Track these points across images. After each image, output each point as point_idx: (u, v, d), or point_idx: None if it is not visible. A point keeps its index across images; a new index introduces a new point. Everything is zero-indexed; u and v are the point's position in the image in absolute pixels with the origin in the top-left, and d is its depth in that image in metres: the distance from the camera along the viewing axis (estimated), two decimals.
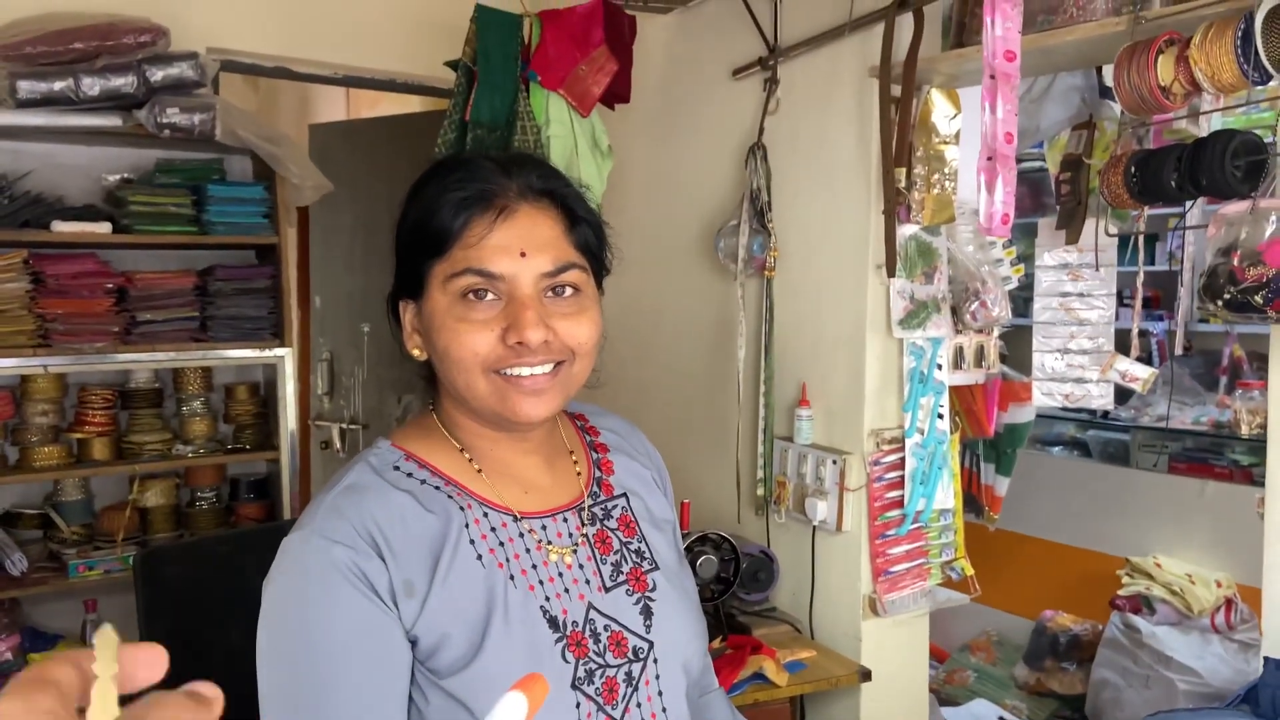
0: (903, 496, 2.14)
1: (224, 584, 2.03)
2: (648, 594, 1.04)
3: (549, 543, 1.00)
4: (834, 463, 2.17)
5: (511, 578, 0.95)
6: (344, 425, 3.83)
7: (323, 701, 0.87)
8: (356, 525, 0.90)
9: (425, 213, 0.95)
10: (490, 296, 0.93)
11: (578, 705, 0.93)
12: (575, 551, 1.01)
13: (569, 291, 0.96)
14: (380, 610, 0.88)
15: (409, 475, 0.97)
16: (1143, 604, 3.18)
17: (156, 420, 2.66)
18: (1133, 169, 1.57)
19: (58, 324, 2.37)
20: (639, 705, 0.98)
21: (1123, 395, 3.68)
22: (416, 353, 1.00)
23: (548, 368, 0.94)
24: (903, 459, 2.13)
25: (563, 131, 2.31)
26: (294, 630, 0.89)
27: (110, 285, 2.45)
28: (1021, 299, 2.99)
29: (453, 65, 2.36)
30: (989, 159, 1.51)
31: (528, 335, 0.91)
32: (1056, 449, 4.00)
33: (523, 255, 0.92)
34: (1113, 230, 1.87)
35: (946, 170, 2.01)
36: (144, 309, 2.49)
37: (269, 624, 0.91)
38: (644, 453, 1.18)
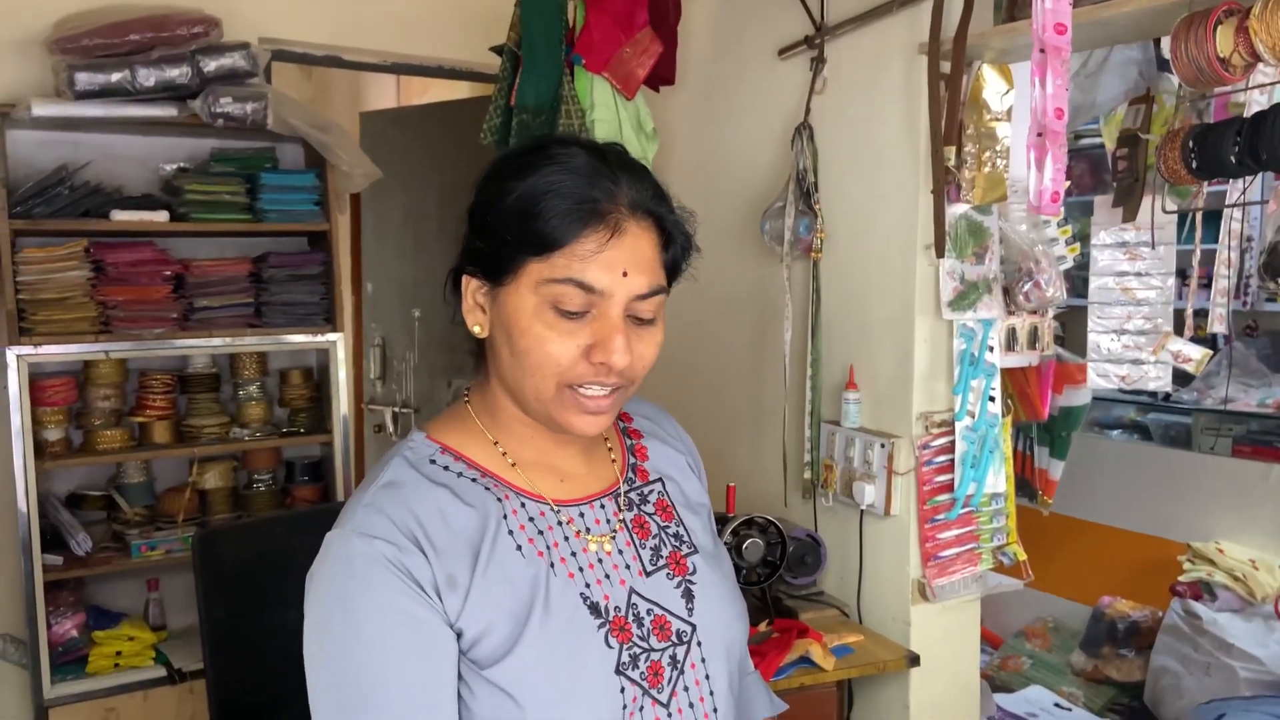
0: (953, 480, 2.10)
1: (280, 564, 2.07)
2: (688, 577, 1.04)
3: (587, 530, 1.00)
4: (882, 446, 2.15)
5: (551, 566, 0.95)
6: (396, 409, 3.88)
7: (373, 699, 0.88)
8: (397, 521, 0.91)
9: (530, 209, 0.91)
10: (580, 309, 0.92)
11: (623, 690, 0.93)
12: (614, 538, 1.01)
13: (646, 315, 0.95)
14: (424, 604, 0.89)
15: (445, 469, 0.98)
16: (1204, 590, 3.11)
17: (214, 404, 2.73)
18: (1190, 144, 1.52)
19: (118, 310, 2.44)
20: (685, 689, 0.98)
21: (1185, 378, 3.58)
22: (477, 330, 0.98)
23: (612, 389, 0.94)
24: (953, 443, 2.10)
25: (607, 115, 2.30)
26: (340, 629, 0.89)
27: (168, 272, 2.52)
28: (1080, 279, 2.93)
29: (498, 50, 2.36)
30: (1038, 135, 1.48)
31: (614, 360, 0.91)
32: (1116, 432, 3.91)
33: (624, 275, 0.92)
34: (1170, 207, 1.82)
35: (998, 148, 1.97)
36: (201, 295, 2.55)
37: (315, 624, 0.91)
38: (677, 437, 1.18)
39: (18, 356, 2.31)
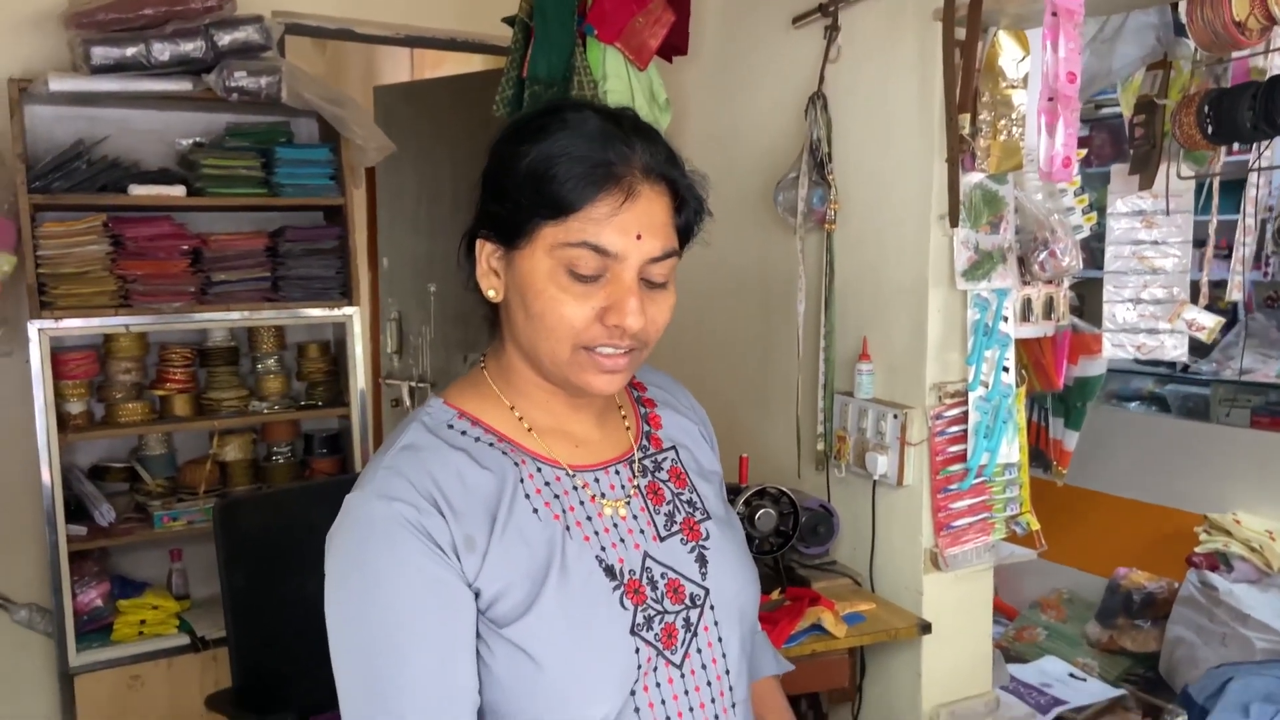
0: (965, 451, 2.11)
1: (300, 534, 2.10)
2: (701, 543, 1.05)
3: (602, 495, 1.01)
4: (895, 417, 2.15)
5: (568, 529, 0.96)
6: (413, 384, 3.91)
7: (394, 658, 0.89)
8: (416, 484, 0.92)
9: (545, 172, 0.92)
10: (595, 272, 0.92)
11: (637, 650, 0.95)
12: (629, 503, 1.02)
13: (659, 279, 0.96)
14: (443, 564, 0.90)
15: (463, 433, 0.99)
16: (1220, 561, 3.10)
17: (233, 378, 2.76)
18: (1206, 109, 1.50)
19: (138, 285, 2.47)
20: (699, 650, 0.99)
21: (1203, 349, 3.56)
22: (492, 294, 0.99)
23: (626, 350, 0.95)
24: (966, 413, 2.10)
25: (620, 86, 2.30)
26: (360, 590, 0.91)
27: (186, 247, 2.54)
28: (1098, 251, 2.90)
29: (509, 21, 2.36)
30: (1050, 99, 1.47)
31: (628, 322, 0.92)
32: (1133, 404, 3.89)
33: (638, 238, 0.92)
34: (1186, 173, 1.80)
35: (1014, 115, 1.95)
36: (218, 270, 2.57)
37: (335, 585, 0.93)
38: (689, 407, 1.19)
39: (39, 330, 2.34)
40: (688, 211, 0.99)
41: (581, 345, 0.94)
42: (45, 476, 2.36)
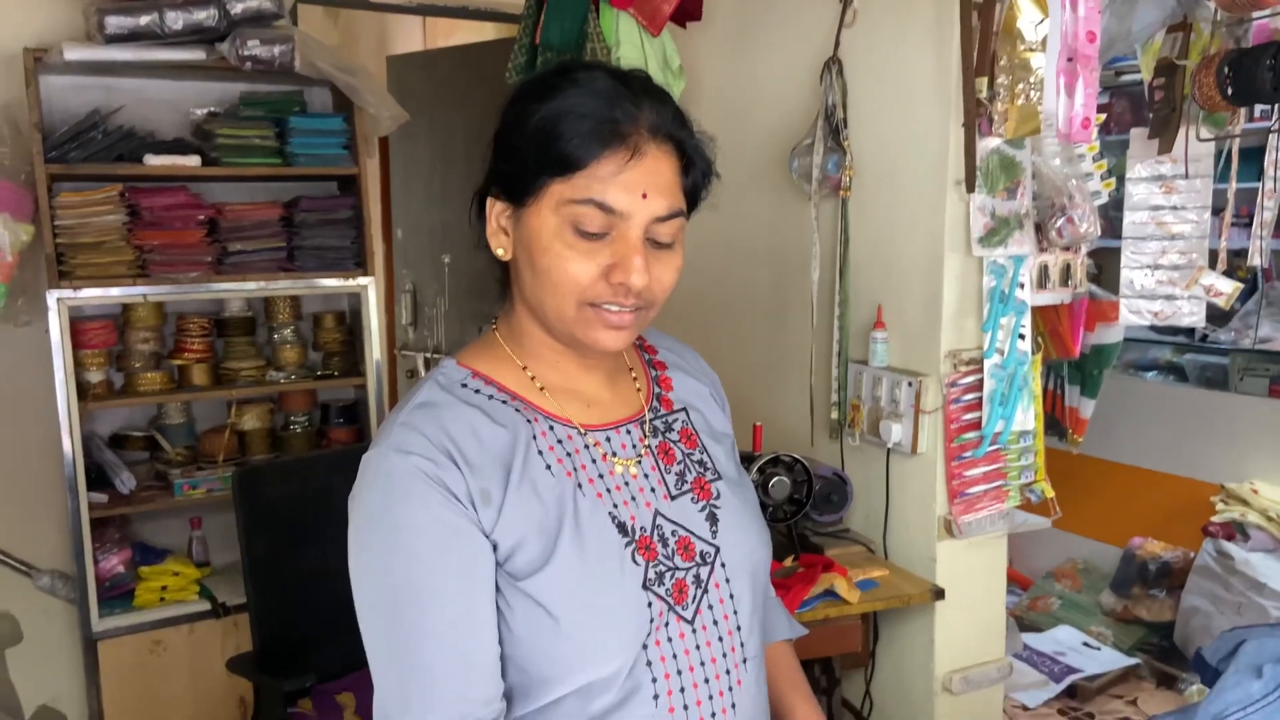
0: (980, 419, 2.10)
1: (318, 502, 2.13)
2: (712, 502, 1.06)
3: (614, 454, 1.02)
4: (909, 385, 2.14)
5: (579, 486, 0.98)
6: (428, 355, 3.93)
7: (418, 606, 0.91)
8: (431, 438, 0.93)
9: (552, 129, 0.93)
10: (600, 230, 0.93)
11: (649, 605, 0.96)
12: (640, 462, 1.03)
13: (666, 238, 0.96)
14: (463, 515, 0.92)
15: (476, 392, 1.00)
16: (1237, 530, 3.09)
17: (250, 348, 2.77)
18: (1225, 70, 1.48)
19: (154, 254, 2.48)
20: (710, 607, 1.00)
21: (1222, 317, 3.53)
22: (500, 252, 1.00)
23: (633, 309, 0.96)
24: (981, 381, 2.09)
25: (633, 52, 2.28)
26: (383, 541, 0.93)
27: (202, 217, 2.55)
28: (1116, 220, 2.88)
29: None
30: (1069, 60, 1.45)
31: (633, 280, 0.93)
32: (1151, 374, 3.86)
33: (644, 196, 0.93)
34: (1205, 135, 1.77)
35: (1032, 79, 1.92)
36: (234, 239, 2.58)
37: (358, 540, 0.95)
38: (701, 369, 1.20)
39: (58, 299, 2.35)
40: (695, 173, 0.99)
41: (587, 302, 0.95)
42: (66, 444, 2.39)
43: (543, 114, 0.94)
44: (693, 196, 1.01)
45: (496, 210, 1.00)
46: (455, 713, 0.91)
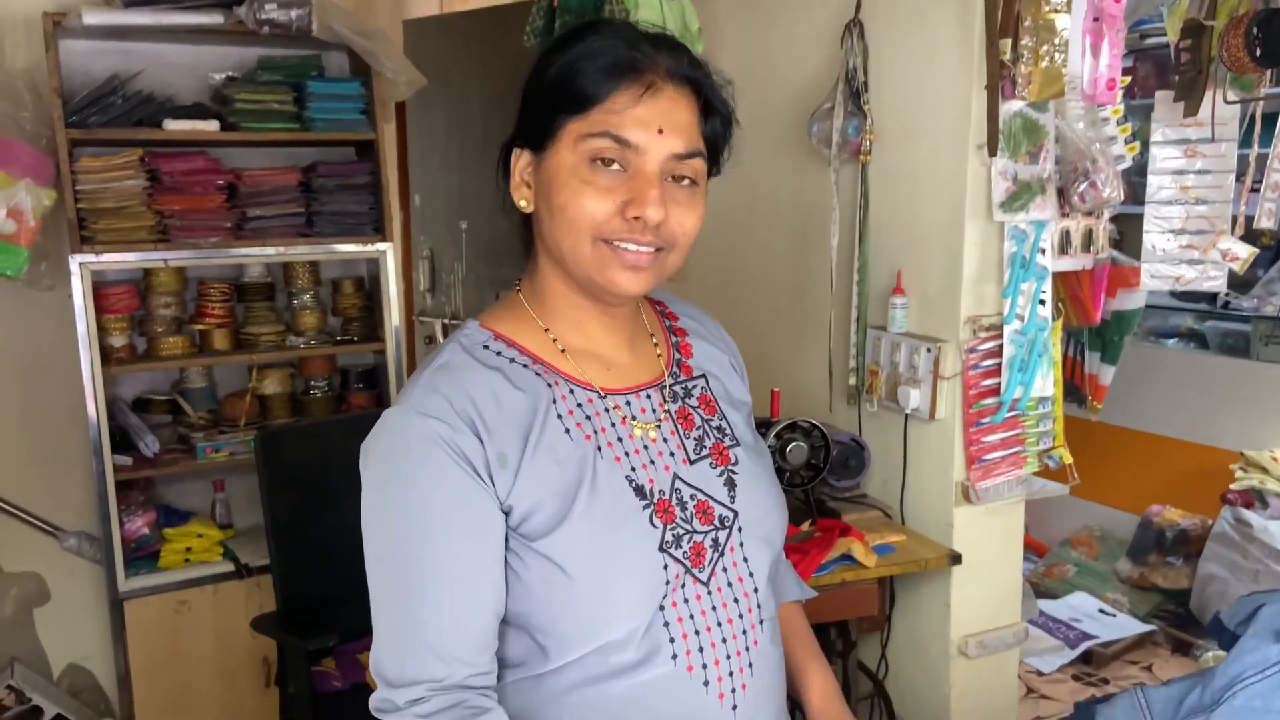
0: (999, 385, 2.10)
1: (338, 464, 2.14)
2: (730, 467, 1.06)
3: (633, 418, 1.03)
4: (928, 351, 2.14)
5: (599, 449, 0.98)
6: (446, 321, 3.94)
7: (425, 565, 0.93)
8: (453, 402, 0.94)
9: (570, 69, 0.95)
10: (617, 166, 0.94)
11: (665, 567, 0.97)
12: (659, 426, 1.04)
13: (686, 181, 0.97)
14: (476, 484, 0.93)
15: (498, 354, 1.01)
16: (1255, 498, 3.08)
17: (270, 313, 2.79)
18: (1254, 30, 1.46)
19: (175, 220, 2.49)
20: (725, 570, 1.02)
21: (1246, 285, 3.49)
22: (523, 204, 1.01)
23: (651, 249, 0.96)
24: (1000, 346, 2.08)
25: (651, 14, 2.26)
26: (395, 499, 0.94)
27: (221, 182, 2.56)
28: (1140, 186, 2.85)
29: None
30: (1095, 20, 1.43)
31: (648, 213, 0.93)
32: (1172, 341, 3.84)
33: (660, 132, 0.94)
34: (1231, 97, 1.75)
35: (1056, 41, 1.90)
36: (253, 205, 2.59)
37: (372, 497, 0.96)
38: (720, 338, 1.20)
39: (80, 264, 2.37)
40: (715, 120, 1.00)
41: (602, 238, 0.95)
42: (90, 408, 2.41)
43: (562, 61, 0.96)
44: (713, 147, 1.01)
45: (520, 163, 1.01)
46: (442, 672, 0.92)
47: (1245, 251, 1.77)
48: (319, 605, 2.15)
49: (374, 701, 0.95)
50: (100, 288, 2.51)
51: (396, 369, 2.84)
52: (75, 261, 2.37)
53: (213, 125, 2.50)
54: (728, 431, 1.09)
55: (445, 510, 0.93)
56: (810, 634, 1.22)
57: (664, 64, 0.95)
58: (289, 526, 2.17)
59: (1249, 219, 1.97)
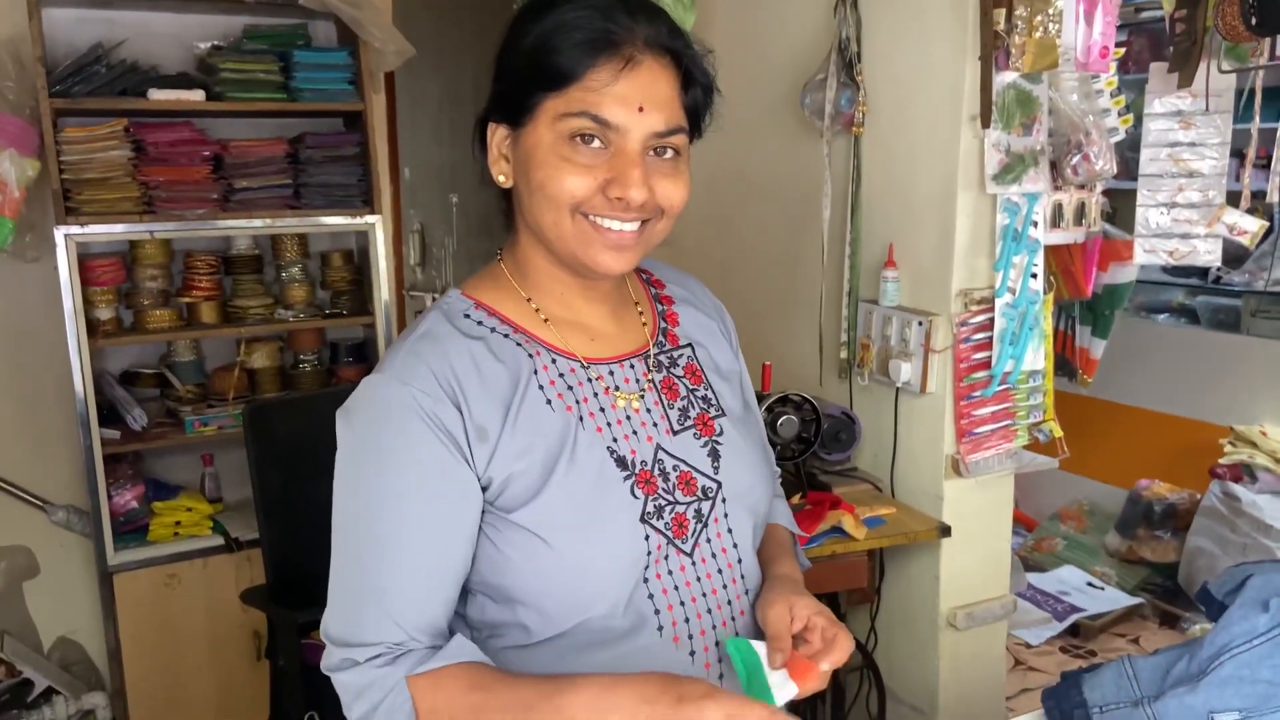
0: (990, 358, 2.09)
1: (327, 437, 2.13)
2: (715, 438, 1.05)
3: (616, 388, 1.02)
4: (919, 324, 2.13)
5: (580, 420, 0.98)
6: (436, 295, 3.92)
7: (393, 533, 0.92)
8: (435, 371, 0.94)
9: (545, 44, 0.92)
10: (597, 144, 0.92)
11: (647, 537, 0.97)
12: (642, 396, 1.03)
13: (670, 153, 0.95)
14: (453, 456, 0.92)
15: (479, 324, 1.00)
16: (1244, 472, 3.10)
17: (258, 286, 2.76)
18: None
19: (160, 191, 2.47)
20: (708, 540, 1.01)
21: (1237, 259, 3.49)
22: (501, 179, 1.00)
23: (635, 225, 0.95)
24: (992, 320, 2.08)
25: None
26: (370, 466, 0.93)
27: (207, 153, 2.53)
28: (1133, 161, 2.84)
29: None
30: None
31: (630, 194, 0.91)
32: (1163, 316, 3.84)
33: (640, 110, 0.92)
34: (1226, 67, 1.73)
35: (1050, 11, 1.88)
36: (240, 176, 2.56)
37: (346, 457, 0.95)
38: (710, 304, 1.19)
39: (65, 235, 2.35)
40: (695, 90, 0.97)
41: (583, 214, 0.94)
42: (77, 381, 2.40)
43: (536, 32, 0.94)
44: (694, 116, 0.98)
45: (497, 137, 0.99)
46: (398, 637, 0.91)
47: (1254, 225, 1.76)
48: (309, 578, 2.13)
49: (330, 661, 0.94)
50: (86, 260, 2.48)
51: (387, 343, 2.82)
52: (60, 233, 2.35)
53: (198, 95, 2.47)
54: (713, 401, 1.08)
55: (419, 481, 0.92)
56: (787, 543, 1.19)
57: (642, 34, 0.93)
58: (278, 500, 2.16)
59: (1255, 194, 1.95)
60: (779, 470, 1.34)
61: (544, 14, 0.94)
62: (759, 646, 0.94)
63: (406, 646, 0.91)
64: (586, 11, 0.92)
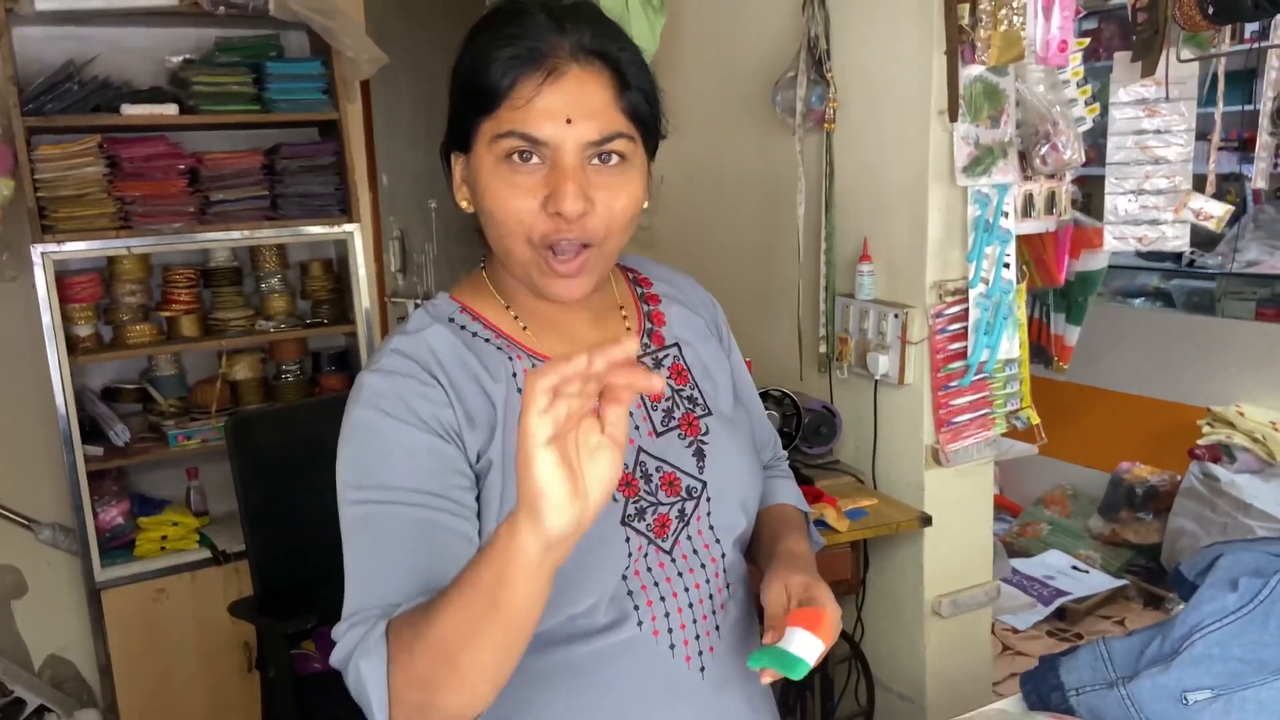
0: (966, 348, 2.12)
1: (311, 447, 2.13)
2: (700, 438, 1.06)
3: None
4: (895, 317, 2.15)
5: None
6: (418, 301, 3.93)
7: (381, 509, 0.90)
8: (420, 362, 0.95)
9: (475, 66, 0.92)
10: (534, 160, 0.91)
11: (627, 539, 0.98)
12: None
13: (614, 159, 0.93)
14: (444, 438, 0.93)
15: (463, 327, 1.01)
16: (1223, 452, 3.13)
17: (238, 298, 2.77)
18: None
19: (136, 206, 2.47)
20: (689, 538, 1.02)
21: (1206, 242, 3.53)
22: (465, 204, 1.00)
23: (577, 250, 0.93)
24: (966, 310, 2.10)
25: None
26: (366, 447, 0.93)
27: (182, 166, 2.53)
28: (1103, 147, 2.87)
29: None
30: None
31: (565, 207, 0.90)
32: (1138, 300, 3.88)
33: (569, 122, 0.90)
34: (1186, 55, 1.76)
35: (1015, 4, 1.90)
36: (216, 189, 2.56)
37: (343, 446, 0.95)
38: (699, 301, 1.19)
39: (42, 254, 2.35)
40: (633, 93, 0.95)
41: (536, 242, 0.93)
42: (59, 398, 2.40)
43: (469, 54, 0.94)
44: (641, 119, 0.97)
45: (458, 166, 0.99)
46: (382, 603, 0.88)
47: (1219, 210, 1.79)
48: (296, 588, 2.15)
49: (338, 636, 0.90)
50: (64, 277, 2.48)
51: (369, 351, 2.83)
52: (37, 251, 2.34)
53: (171, 109, 2.47)
54: (699, 401, 1.09)
55: (413, 452, 0.92)
56: (798, 520, 1.20)
57: (567, 43, 0.91)
58: (264, 511, 2.16)
59: (1220, 178, 1.98)
60: (784, 454, 1.36)
61: (475, 37, 0.94)
62: (768, 642, 0.96)
63: (392, 612, 0.89)
64: (512, 28, 0.92)
